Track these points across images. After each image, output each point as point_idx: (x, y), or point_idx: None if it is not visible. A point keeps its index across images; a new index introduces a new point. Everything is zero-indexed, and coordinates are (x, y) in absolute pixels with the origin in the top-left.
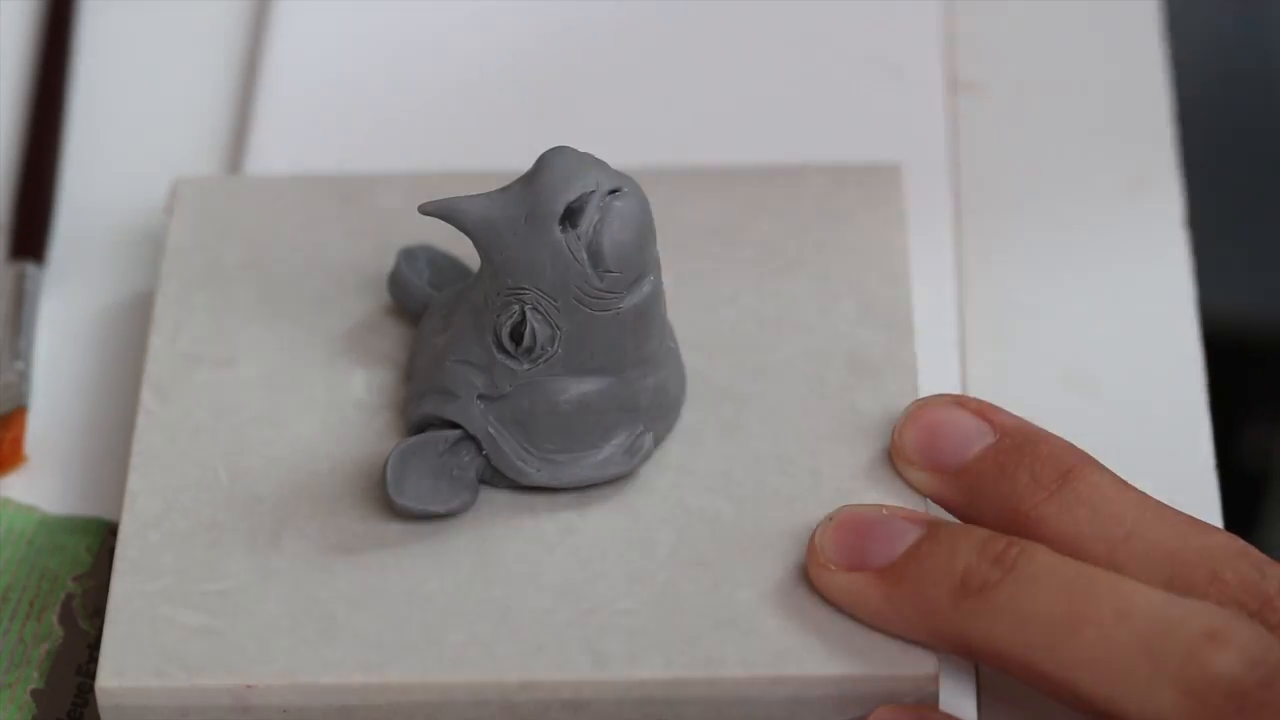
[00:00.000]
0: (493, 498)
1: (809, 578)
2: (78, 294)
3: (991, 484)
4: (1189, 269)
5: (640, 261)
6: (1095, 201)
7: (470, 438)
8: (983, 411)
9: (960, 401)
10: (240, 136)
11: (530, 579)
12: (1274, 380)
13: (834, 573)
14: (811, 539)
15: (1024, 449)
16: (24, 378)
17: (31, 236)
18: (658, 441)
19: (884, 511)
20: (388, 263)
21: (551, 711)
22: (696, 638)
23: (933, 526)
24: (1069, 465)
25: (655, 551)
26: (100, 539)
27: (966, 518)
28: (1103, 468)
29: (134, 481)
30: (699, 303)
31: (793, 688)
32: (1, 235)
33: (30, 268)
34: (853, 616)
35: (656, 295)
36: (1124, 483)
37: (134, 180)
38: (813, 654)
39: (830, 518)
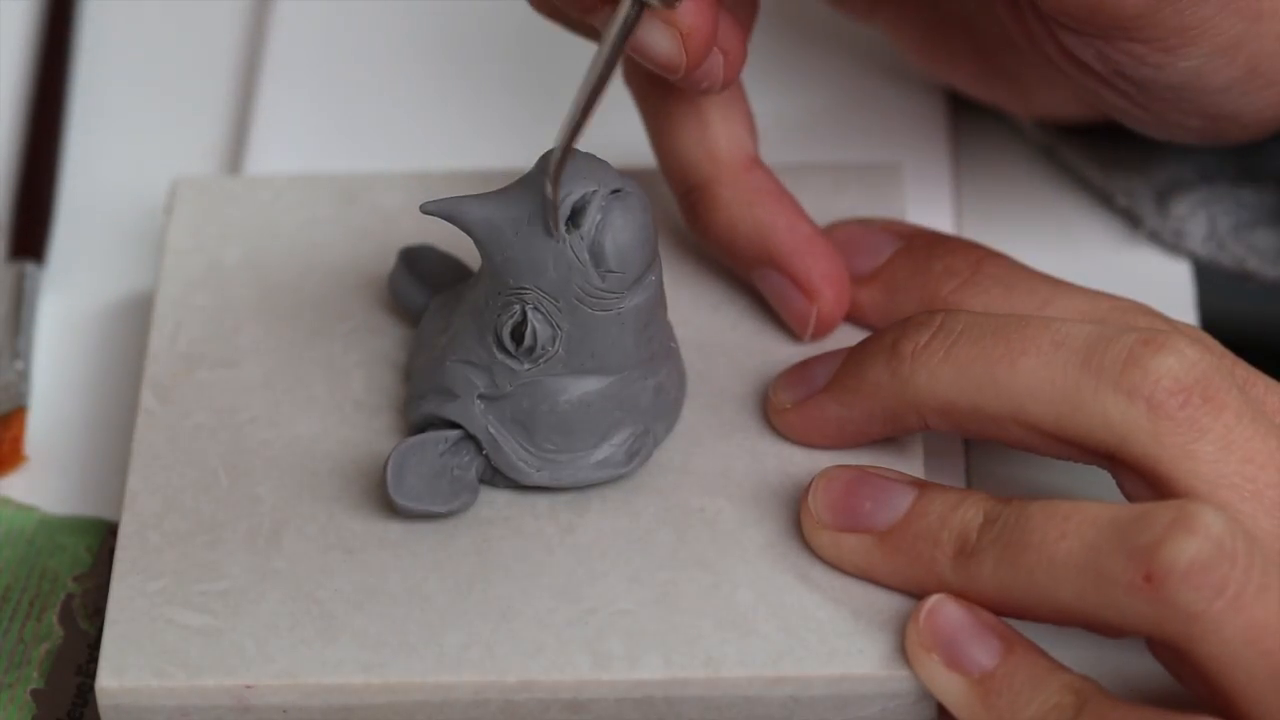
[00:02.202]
0: (493, 498)
1: (804, 536)
2: (78, 294)
3: (907, 279)
4: (1189, 269)
5: (641, 261)
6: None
7: (470, 438)
8: (889, 225)
9: (865, 220)
10: (240, 136)
11: (530, 579)
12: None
13: (829, 533)
14: (804, 498)
15: (934, 245)
16: (24, 378)
17: (31, 236)
18: (658, 441)
19: (872, 472)
20: (388, 263)
21: (551, 711)
22: (696, 638)
23: (923, 488)
24: (979, 254)
25: (655, 551)
26: (100, 539)
27: (887, 318)
28: (1009, 256)
29: (134, 481)
30: (699, 303)
31: (793, 688)
32: (1, 235)
33: (30, 267)
34: (845, 572)
35: (657, 295)
36: (1031, 267)
37: (134, 180)
38: (813, 654)
39: (821, 476)
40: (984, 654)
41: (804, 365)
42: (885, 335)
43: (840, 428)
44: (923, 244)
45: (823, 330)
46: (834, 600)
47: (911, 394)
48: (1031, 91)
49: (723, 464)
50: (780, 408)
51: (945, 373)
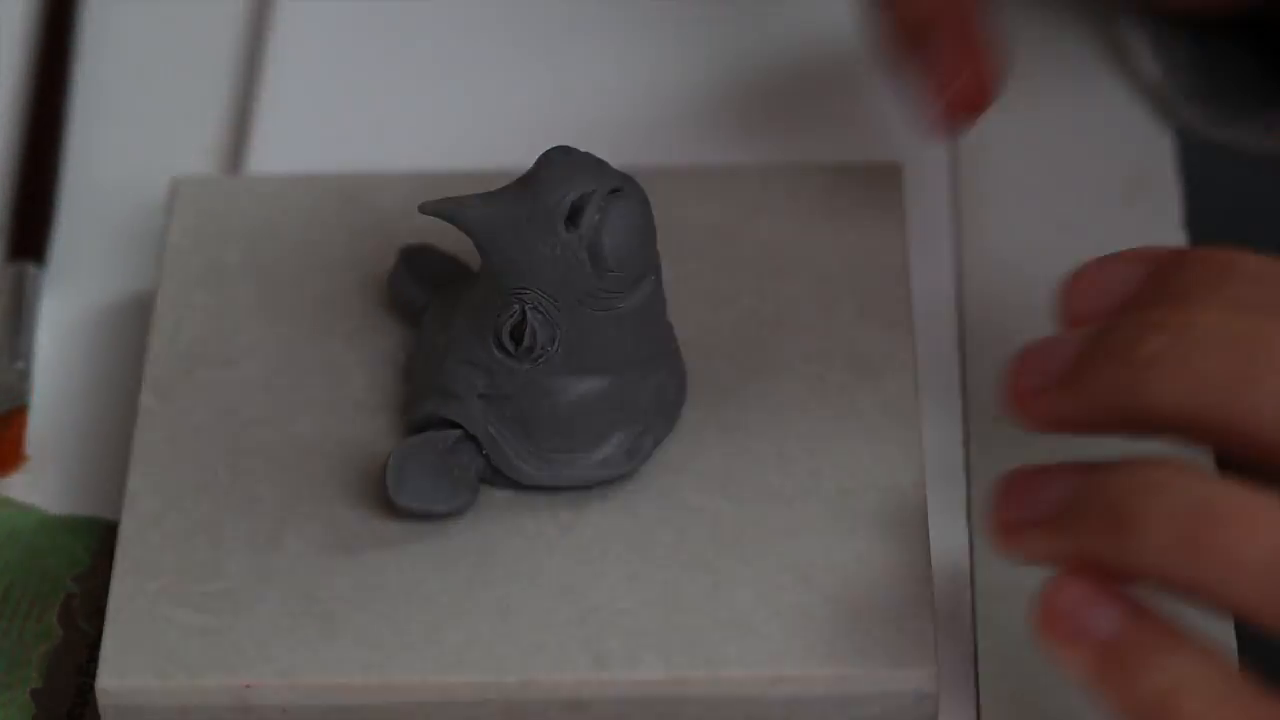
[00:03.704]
0: (493, 498)
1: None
2: (78, 294)
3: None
4: None
5: (641, 261)
6: (1095, 201)
7: (470, 438)
8: (1130, 256)
9: (1104, 260)
10: (240, 136)
11: (530, 579)
12: None
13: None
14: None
15: (1179, 261)
16: (24, 378)
17: (31, 236)
18: (658, 441)
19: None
20: (388, 263)
21: (551, 711)
22: (696, 638)
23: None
24: (1226, 257)
25: (655, 551)
26: (100, 539)
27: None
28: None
29: (134, 481)
30: (699, 303)
31: (793, 688)
32: (1, 235)
33: (30, 268)
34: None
35: (657, 295)
36: None
37: (134, 180)
38: (813, 654)
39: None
40: (1106, 623)
41: (1037, 353)
42: (1118, 335)
43: (1078, 425)
44: (1163, 264)
45: (959, 113)
46: (834, 600)
47: (1147, 404)
48: None
49: (723, 464)
50: (1017, 400)
51: (1183, 385)
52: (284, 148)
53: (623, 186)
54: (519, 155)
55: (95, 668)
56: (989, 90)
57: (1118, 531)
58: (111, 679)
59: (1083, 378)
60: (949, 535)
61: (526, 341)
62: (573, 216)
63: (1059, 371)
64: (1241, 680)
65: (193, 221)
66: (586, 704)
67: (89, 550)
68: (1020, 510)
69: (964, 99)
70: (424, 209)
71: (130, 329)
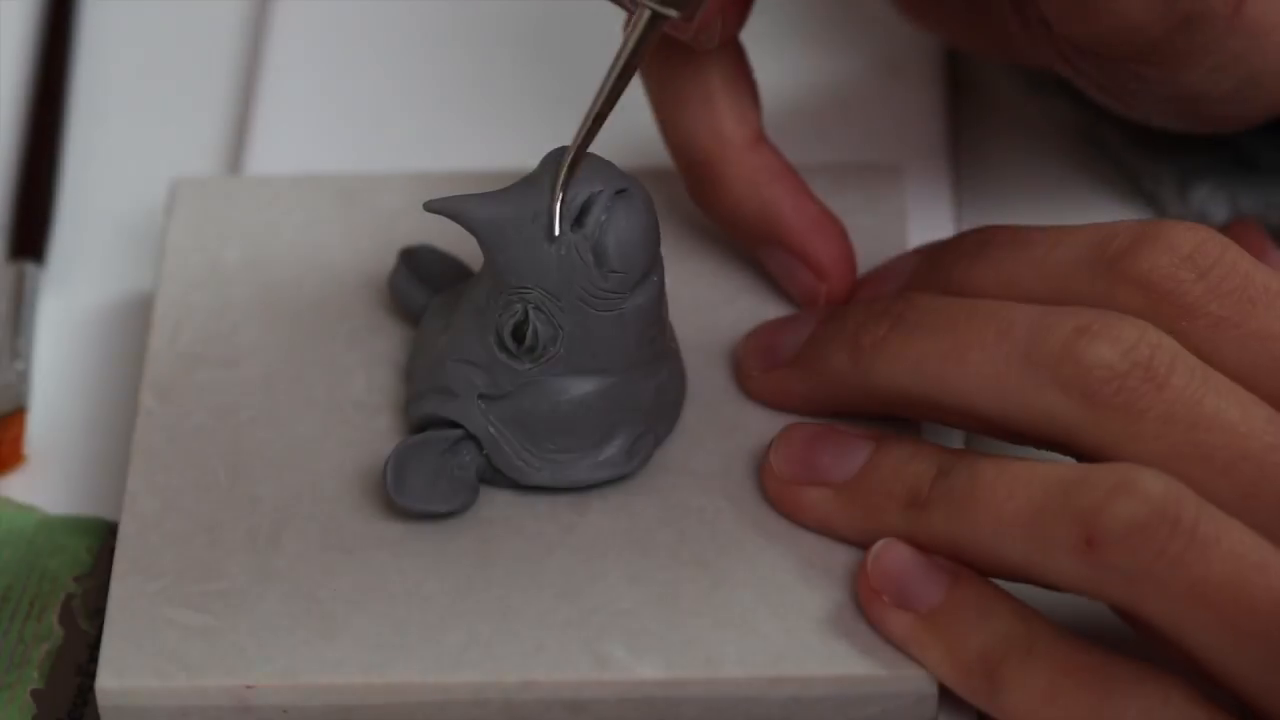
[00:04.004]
0: (493, 498)
1: (766, 493)
2: (78, 294)
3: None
4: None
5: (645, 261)
6: (1095, 202)
7: (471, 437)
8: (901, 257)
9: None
10: (240, 136)
11: (530, 579)
12: None
13: (789, 487)
14: (766, 455)
15: (944, 244)
16: (24, 378)
17: (31, 236)
18: (658, 441)
19: (832, 427)
20: (388, 263)
21: (551, 711)
22: (696, 638)
23: (881, 441)
24: (986, 233)
25: (655, 551)
26: (100, 539)
27: None
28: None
29: (134, 481)
30: (699, 303)
31: (792, 688)
32: (1, 235)
33: (30, 268)
34: (804, 525)
35: (660, 295)
36: (1037, 227)
37: (134, 180)
38: (812, 654)
39: (782, 432)
40: (931, 589)
41: (771, 332)
42: (847, 322)
43: (804, 401)
44: (934, 250)
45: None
46: (834, 600)
47: (871, 384)
48: (1020, 52)
49: (723, 464)
50: (747, 373)
51: (902, 367)
52: (284, 148)
53: (628, 187)
54: (519, 155)
55: (95, 668)
56: (851, 263)
57: (912, 508)
58: (111, 679)
59: (813, 360)
60: None
61: (528, 341)
62: (578, 217)
63: (791, 351)
64: (1056, 635)
65: (193, 221)
66: (586, 704)
67: (89, 550)
68: (803, 471)
69: (839, 289)
70: (429, 207)
71: (130, 329)
